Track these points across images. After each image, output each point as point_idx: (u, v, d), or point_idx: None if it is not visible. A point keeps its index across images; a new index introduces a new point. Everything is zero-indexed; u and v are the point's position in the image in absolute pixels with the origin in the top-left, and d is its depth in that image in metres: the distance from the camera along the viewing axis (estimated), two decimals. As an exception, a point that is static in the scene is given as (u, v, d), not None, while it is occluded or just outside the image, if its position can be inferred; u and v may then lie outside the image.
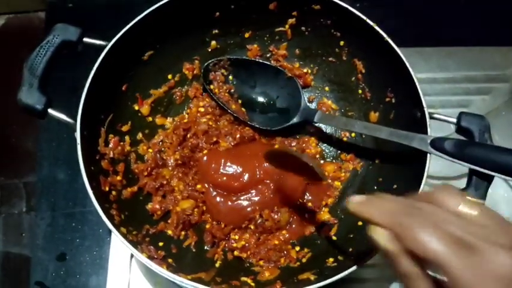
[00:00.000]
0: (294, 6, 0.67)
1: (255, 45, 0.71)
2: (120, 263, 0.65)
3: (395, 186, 0.59)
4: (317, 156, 0.68)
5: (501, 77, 0.80)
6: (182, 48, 0.68)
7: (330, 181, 0.66)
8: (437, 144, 0.51)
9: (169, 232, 0.61)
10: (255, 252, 0.61)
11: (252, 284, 0.56)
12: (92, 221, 0.70)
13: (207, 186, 0.64)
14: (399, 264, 0.33)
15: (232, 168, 0.63)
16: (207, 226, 0.63)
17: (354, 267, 0.49)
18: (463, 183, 0.51)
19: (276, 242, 0.62)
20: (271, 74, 0.69)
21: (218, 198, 0.63)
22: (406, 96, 0.59)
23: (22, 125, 0.80)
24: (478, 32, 0.84)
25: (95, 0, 0.87)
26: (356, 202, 0.38)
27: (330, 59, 0.70)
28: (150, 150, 0.65)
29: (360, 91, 0.68)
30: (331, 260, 0.57)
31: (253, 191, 0.63)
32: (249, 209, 0.62)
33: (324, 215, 0.64)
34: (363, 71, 0.67)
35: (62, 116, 0.54)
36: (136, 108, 0.66)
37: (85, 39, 0.58)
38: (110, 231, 0.50)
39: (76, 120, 0.54)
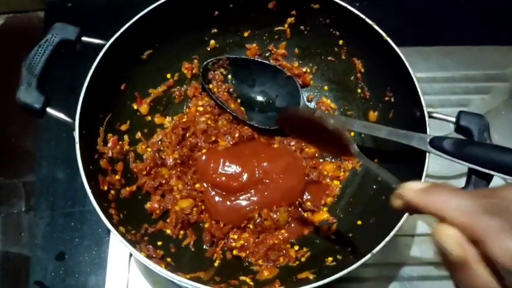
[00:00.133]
0: (293, 5, 0.67)
1: (254, 45, 0.71)
2: (119, 262, 0.65)
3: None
4: (316, 155, 0.68)
5: (500, 76, 0.80)
6: (181, 47, 0.68)
7: (328, 180, 0.66)
8: (436, 143, 0.51)
9: (168, 231, 0.61)
10: (254, 251, 0.61)
11: (251, 283, 0.56)
12: (91, 220, 0.69)
13: (205, 185, 0.63)
14: (471, 274, 0.27)
15: (231, 168, 0.63)
16: (206, 225, 0.63)
17: (353, 267, 0.49)
18: (462, 182, 0.51)
19: (275, 242, 0.62)
20: (270, 73, 0.69)
21: (217, 198, 0.63)
22: (405, 95, 0.59)
23: (22, 124, 0.80)
24: (478, 31, 0.83)
25: (95, 0, 0.87)
26: (417, 189, 0.31)
27: (329, 58, 0.70)
28: (149, 149, 0.66)
29: (359, 90, 0.68)
30: (330, 259, 0.57)
31: (252, 190, 0.63)
32: (248, 208, 0.62)
33: (323, 215, 0.64)
34: (363, 70, 0.67)
35: (61, 115, 0.55)
36: (135, 107, 0.66)
37: (84, 38, 0.58)
38: (109, 231, 0.50)
39: (74, 120, 0.54)
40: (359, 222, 0.60)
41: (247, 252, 0.61)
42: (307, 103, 0.69)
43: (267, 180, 0.63)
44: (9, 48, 0.85)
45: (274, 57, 0.72)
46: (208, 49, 0.71)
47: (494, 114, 0.76)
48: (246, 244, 0.61)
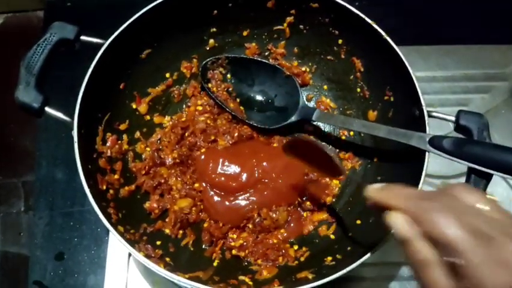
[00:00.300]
0: (292, 5, 0.67)
1: (253, 44, 0.71)
2: (118, 262, 0.65)
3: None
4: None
5: (500, 76, 0.80)
6: (180, 46, 0.68)
7: (328, 180, 0.66)
8: (436, 142, 0.51)
9: (167, 231, 0.61)
10: (253, 251, 0.61)
11: (250, 283, 0.56)
12: (91, 220, 0.69)
13: (204, 185, 0.63)
14: (415, 249, 0.33)
15: (230, 168, 0.63)
16: (205, 225, 0.63)
17: (352, 266, 0.49)
18: (461, 181, 0.51)
19: (275, 241, 0.62)
20: (269, 73, 0.69)
21: (216, 198, 0.63)
22: (405, 94, 0.58)
23: (20, 124, 0.80)
24: (477, 31, 0.83)
25: (94, -1, 0.87)
26: (375, 189, 0.40)
27: (329, 57, 0.70)
28: (148, 148, 0.65)
29: (358, 89, 0.68)
30: (329, 258, 0.57)
31: (252, 190, 0.62)
32: (247, 208, 0.62)
33: (323, 214, 0.64)
34: (362, 69, 0.67)
35: (59, 115, 0.54)
36: (134, 106, 0.66)
37: (83, 38, 0.58)
38: (108, 230, 0.50)
39: (73, 119, 0.53)
40: (358, 222, 0.60)
41: (246, 251, 0.61)
42: (306, 102, 0.69)
43: (266, 180, 0.63)
44: (8, 48, 0.85)
45: (274, 57, 0.72)
46: (207, 48, 0.71)
47: (494, 114, 0.76)
48: (245, 244, 0.61)
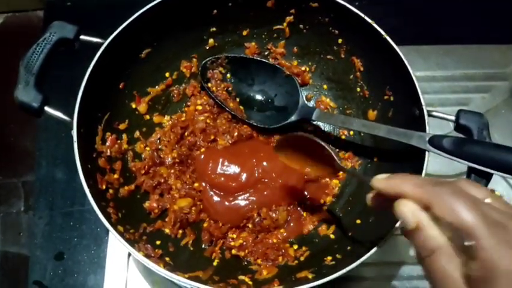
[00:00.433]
0: (291, 4, 0.66)
1: (253, 43, 0.71)
2: (118, 262, 0.65)
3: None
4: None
5: (500, 75, 0.80)
6: (180, 46, 0.68)
7: (327, 180, 0.66)
8: (436, 142, 0.51)
9: (167, 230, 0.61)
10: (253, 250, 0.61)
11: (250, 283, 0.56)
12: (90, 220, 0.69)
13: (204, 185, 0.63)
14: (426, 235, 0.32)
15: (230, 168, 0.63)
16: (205, 225, 0.63)
17: (352, 266, 0.49)
18: (461, 181, 0.51)
19: (274, 241, 0.62)
20: (269, 72, 0.69)
21: (215, 198, 0.63)
22: (405, 94, 0.58)
23: (20, 124, 0.80)
24: (477, 30, 0.83)
25: (94, -1, 0.87)
26: (381, 178, 0.38)
27: (329, 56, 0.70)
28: (147, 148, 0.65)
29: (358, 89, 0.68)
30: (329, 258, 0.57)
31: (251, 189, 0.62)
32: (247, 208, 0.62)
33: (323, 214, 0.64)
34: (362, 69, 0.67)
35: (59, 114, 0.54)
36: (134, 106, 0.66)
37: (82, 37, 0.58)
38: (108, 230, 0.50)
39: (72, 118, 0.53)
40: (358, 222, 0.60)
41: (246, 251, 0.61)
42: (306, 102, 0.69)
43: (266, 180, 0.63)
44: (8, 47, 0.85)
45: (273, 56, 0.72)
46: (207, 48, 0.71)
47: (494, 113, 0.76)
48: (244, 243, 0.61)
